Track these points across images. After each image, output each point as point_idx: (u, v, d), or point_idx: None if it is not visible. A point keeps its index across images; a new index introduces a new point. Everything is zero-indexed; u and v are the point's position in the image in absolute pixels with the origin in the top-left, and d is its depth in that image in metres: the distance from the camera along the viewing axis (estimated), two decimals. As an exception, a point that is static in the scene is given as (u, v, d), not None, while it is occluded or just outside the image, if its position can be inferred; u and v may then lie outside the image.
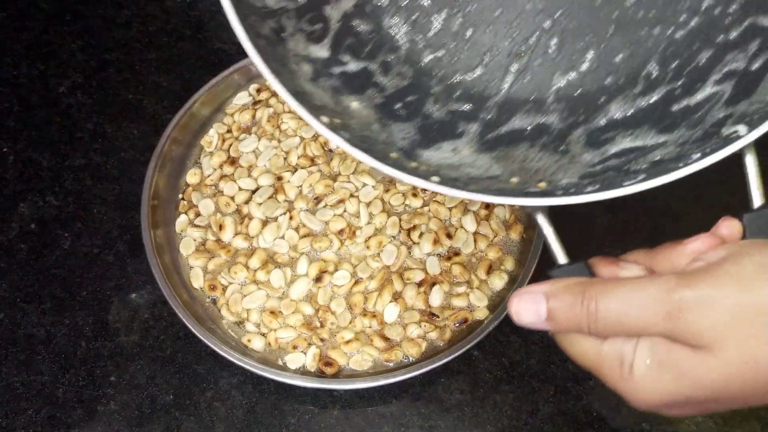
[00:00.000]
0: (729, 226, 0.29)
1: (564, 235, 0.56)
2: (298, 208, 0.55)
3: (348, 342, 0.49)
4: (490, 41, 0.36)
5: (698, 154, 0.29)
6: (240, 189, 0.56)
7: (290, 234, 0.54)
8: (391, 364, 0.49)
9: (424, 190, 0.55)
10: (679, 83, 0.33)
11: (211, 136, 0.60)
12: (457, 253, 0.53)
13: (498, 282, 0.52)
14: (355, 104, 0.34)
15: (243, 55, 0.63)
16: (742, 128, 0.29)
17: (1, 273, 0.55)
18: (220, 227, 0.54)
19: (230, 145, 0.59)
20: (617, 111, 0.34)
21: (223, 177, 0.57)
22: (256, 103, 0.62)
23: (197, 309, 0.51)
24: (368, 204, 0.55)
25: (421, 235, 0.53)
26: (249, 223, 0.55)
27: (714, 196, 0.59)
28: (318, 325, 0.50)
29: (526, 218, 0.55)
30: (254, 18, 0.32)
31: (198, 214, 0.56)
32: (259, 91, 0.62)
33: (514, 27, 0.36)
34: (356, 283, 0.52)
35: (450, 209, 0.55)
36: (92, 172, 0.61)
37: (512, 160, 0.33)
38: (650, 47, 0.34)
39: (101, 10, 0.73)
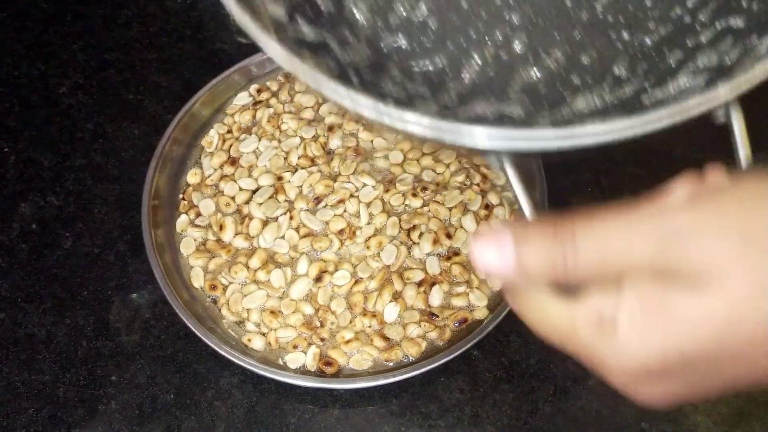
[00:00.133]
0: (717, 174, 0.24)
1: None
2: (299, 208, 0.55)
3: (348, 342, 0.49)
4: (455, 32, 0.35)
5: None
6: (240, 189, 0.57)
7: (290, 234, 0.54)
8: (391, 364, 0.49)
9: (423, 190, 0.55)
10: (647, 84, 0.32)
11: (212, 137, 0.60)
12: (456, 253, 0.53)
13: (498, 282, 0.52)
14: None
15: (243, 55, 0.64)
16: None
17: (2, 273, 0.55)
18: (221, 227, 0.54)
19: (231, 146, 0.59)
20: (583, 106, 0.33)
21: (223, 177, 0.57)
22: (256, 103, 0.62)
23: (198, 309, 0.51)
24: (368, 204, 0.55)
25: (420, 235, 0.53)
26: (249, 223, 0.55)
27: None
28: (318, 324, 0.51)
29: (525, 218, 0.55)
30: None
31: (198, 214, 0.56)
32: (259, 91, 0.62)
33: (481, 20, 0.35)
34: (356, 283, 0.52)
35: (450, 209, 0.55)
36: (93, 172, 0.61)
37: None
38: (619, 50, 0.34)
39: (101, 11, 0.73)
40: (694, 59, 0.31)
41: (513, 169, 0.28)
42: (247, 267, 0.53)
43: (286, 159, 0.58)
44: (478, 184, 0.56)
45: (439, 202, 0.55)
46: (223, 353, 0.47)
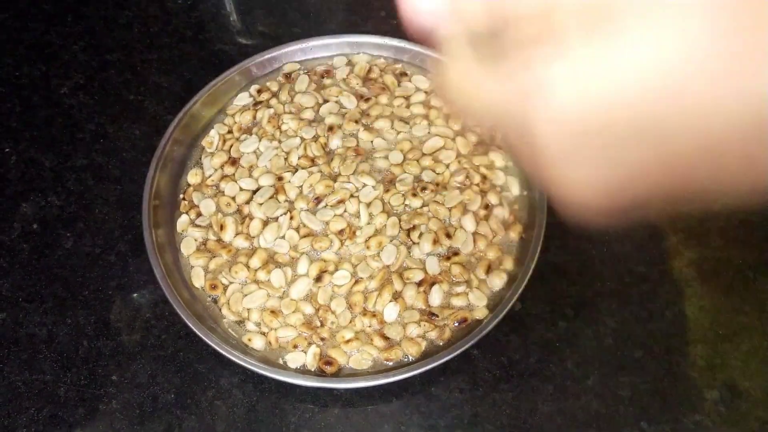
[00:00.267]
0: None
1: (564, 234, 0.57)
2: (299, 208, 0.55)
3: (348, 341, 0.50)
4: None
5: None
6: (241, 189, 0.57)
7: (291, 234, 0.54)
8: (391, 363, 0.49)
9: (423, 190, 0.56)
10: None
11: (212, 137, 0.60)
12: (456, 253, 0.53)
13: (497, 282, 0.52)
14: None
15: (244, 56, 0.64)
16: None
17: (3, 272, 0.55)
18: (221, 227, 0.55)
19: (231, 146, 0.59)
20: None
21: (224, 177, 0.58)
22: (256, 103, 0.62)
23: (198, 308, 0.51)
24: (368, 204, 0.55)
25: (420, 235, 0.54)
26: (250, 223, 0.55)
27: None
28: (318, 324, 0.51)
29: (525, 218, 0.55)
30: None
31: (199, 214, 0.56)
32: (259, 92, 0.63)
33: None
34: (356, 282, 0.52)
35: (450, 209, 0.55)
36: (94, 173, 0.61)
37: None
38: None
39: (103, 11, 0.73)
40: None
41: None
42: (248, 267, 0.53)
43: (286, 159, 0.58)
44: (477, 184, 0.56)
45: (438, 202, 0.55)
46: (224, 353, 0.47)
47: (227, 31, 0.71)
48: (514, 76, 0.20)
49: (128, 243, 0.56)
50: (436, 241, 0.53)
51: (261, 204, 0.56)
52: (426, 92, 0.62)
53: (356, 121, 0.60)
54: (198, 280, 0.53)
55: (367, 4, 0.73)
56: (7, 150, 0.62)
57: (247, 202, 0.56)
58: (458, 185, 0.57)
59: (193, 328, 0.48)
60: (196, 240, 0.55)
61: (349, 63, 0.65)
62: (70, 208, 0.59)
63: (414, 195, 0.55)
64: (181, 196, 0.57)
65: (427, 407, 0.49)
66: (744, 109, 0.17)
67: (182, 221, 0.56)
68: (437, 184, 0.56)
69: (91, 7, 0.73)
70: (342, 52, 0.65)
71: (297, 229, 0.54)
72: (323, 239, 0.53)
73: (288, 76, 0.64)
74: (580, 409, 0.49)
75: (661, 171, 0.20)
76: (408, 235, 0.54)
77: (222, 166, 0.58)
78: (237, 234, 0.55)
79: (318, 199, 0.56)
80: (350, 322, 0.51)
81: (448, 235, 0.53)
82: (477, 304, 0.51)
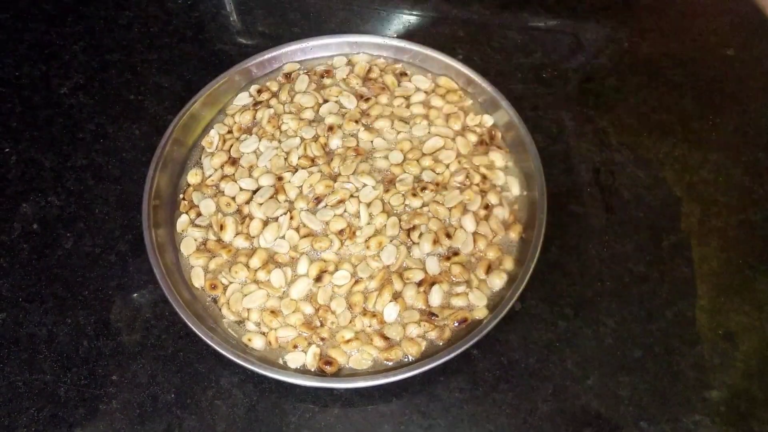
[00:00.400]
0: None
1: (564, 234, 0.57)
2: (299, 208, 0.55)
3: (348, 341, 0.50)
4: None
5: None
6: (241, 189, 0.57)
7: (291, 234, 0.54)
8: (391, 363, 0.49)
9: (423, 190, 0.56)
10: None
11: (212, 137, 0.60)
12: (456, 253, 0.53)
13: (497, 281, 0.52)
14: None
15: (244, 56, 0.64)
16: None
17: (3, 272, 0.55)
18: (221, 227, 0.55)
19: (231, 146, 0.59)
20: None
21: (223, 177, 0.58)
22: (256, 103, 0.62)
23: (198, 308, 0.51)
24: (368, 204, 0.55)
25: (420, 235, 0.54)
26: (250, 223, 0.55)
27: (707, 195, 0.59)
28: (318, 324, 0.51)
29: (525, 218, 0.55)
30: None
31: (199, 214, 0.56)
32: (259, 92, 0.63)
33: None
34: (356, 282, 0.52)
35: (450, 209, 0.55)
36: (94, 173, 0.61)
37: None
38: None
39: (103, 12, 0.73)
40: None
41: None
42: (248, 267, 0.53)
43: (286, 159, 0.58)
44: (477, 184, 0.56)
45: (438, 202, 0.55)
46: (224, 353, 0.47)
47: (227, 31, 0.71)
48: None
49: (128, 243, 0.56)
50: (436, 241, 0.53)
51: (261, 204, 0.56)
52: (426, 92, 0.62)
53: (356, 121, 0.60)
54: (198, 280, 0.53)
55: (367, 4, 0.73)
56: (7, 150, 0.62)
57: (247, 202, 0.56)
58: (458, 185, 0.57)
59: (193, 328, 0.48)
60: (196, 240, 0.55)
61: (349, 63, 0.65)
62: (70, 208, 0.59)
63: (414, 195, 0.55)
64: (181, 196, 0.57)
65: (426, 407, 0.49)
66: None
67: (182, 221, 0.56)
68: (437, 184, 0.56)
69: (91, 7, 0.73)
70: (342, 52, 0.65)
71: (297, 229, 0.54)
72: (323, 239, 0.53)
73: (288, 76, 0.64)
74: (580, 408, 0.49)
75: None
76: (408, 235, 0.54)
77: (222, 166, 0.58)
78: (237, 234, 0.55)
79: (318, 199, 0.56)
80: (350, 322, 0.51)
81: (448, 235, 0.53)
82: (477, 304, 0.51)
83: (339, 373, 0.49)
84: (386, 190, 0.56)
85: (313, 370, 0.49)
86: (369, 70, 0.64)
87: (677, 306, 0.53)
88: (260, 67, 0.64)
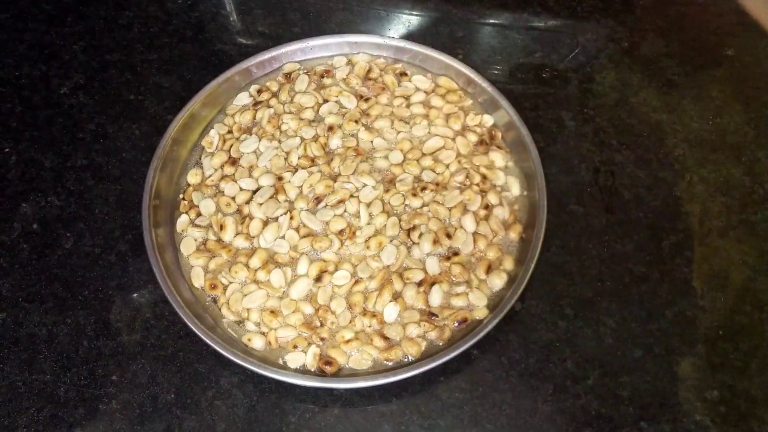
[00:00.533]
0: None
1: (564, 234, 0.57)
2: (299, 208, 0.55)
3: (348, 341, 0.50)
4: None
5: None
6: (241, 189, 0.57)
7: (290, 234, 0.54)
8: (391, 363, 0.49)
9: (423, 190, 0.56)
10: None
11: (212, 137, 0.60)
12: (456, 253, 0.53)
13: (497, 282, 0.52)
14: None
15: (244, 56, 0.64)
16: None
17: (3, 272, 0.55)
18: (221, 227, 0.55)
19: (231, 146, 0.59)
20: None
21: (223, 177, 0.58)
22: (256, 103, 0.62)
23: (198, 308, 0.51)
24: (368, 204, 0.55)
25: (420, 235, 0.54)
26: (250, 223, 0.55)
27: (707, 195, 0.59)
28: (318, 324, 0.51)
29: (525, 218, 0.55)
30: None
31: (199, 214, 0.56)
32: (259, 92, 0.63)
33: None
34: (356, 283, 0.52)
35: (450, 209, 0.55)
36: (94, 173, 0.61)
37: None
38: None
39: (103, 12, 0.73)
40: None
41: None
42: (248, 267, 0.53)
43: (286, 159, 0.58)
44: (477, 184, 0.56)
45: (438, 202, 0.55)
46: (224, 353, 0.47)
47: (227, 31, 0.71)
48: None
49: (128, 243, 0.56)
50: (436, 241, 0.53)
51: (261, 204, 0.56)
52: (426, 92, 0.62)
53: (356, 121, 0.60)
54: (198, 280, 0.53)
55: (367, 4, 0.73)
56: (7, 150, 0.62)
57: (247, 202, 0.56)
58: (458, 185, 0.57)
59: (192, 328, 0.48)
60: (196, 240, 0.55)
61: (349, 63, 0.65)
62: (70, 208, 0.59)
63: (414, 195, 0.55)
64: (181, 196, 0.57)
65: (426, 407, 0.49)
66: None
67: (182, 221, 0.56)
68: (437, 184, 0.56)
69: (91, 7, 0.73)
70: (342, 51, 0.65)
71: (297, 229, 0.54)
72: (323, 239, 0.53)
73: (288, 76, 0.64)
74: (580, 408, 0.49)
75: None
76: (408, 235, 0.54)
77: (222, 166, 0.58)
78: (237, 234, 0.55)
79: (318, 199, 0.56)
80: (350, 322, 0.51)
81: (448, 235, 0.53)
82: (477, 304, 0.51)
83: (339, 374, 0.49)
84: (386, 190, 0.56)
85: (313, 370, 0.49)
86: (369, 70, 0.64)
87: (677, 306, 0.53)
88: (260, 67, 0.64)
